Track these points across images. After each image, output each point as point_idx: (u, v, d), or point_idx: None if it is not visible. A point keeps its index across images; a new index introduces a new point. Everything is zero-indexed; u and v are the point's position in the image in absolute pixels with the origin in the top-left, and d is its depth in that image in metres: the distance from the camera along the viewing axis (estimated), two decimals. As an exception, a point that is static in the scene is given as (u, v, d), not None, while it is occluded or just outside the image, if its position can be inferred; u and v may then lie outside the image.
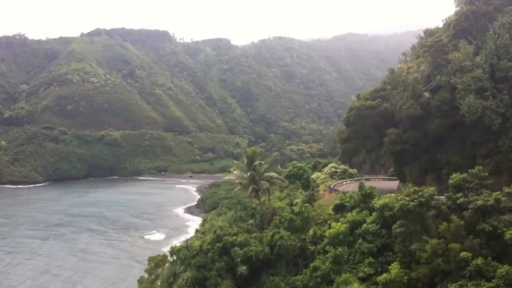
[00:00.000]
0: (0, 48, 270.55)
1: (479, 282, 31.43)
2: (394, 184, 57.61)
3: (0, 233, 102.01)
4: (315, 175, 78.33)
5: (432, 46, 49.97)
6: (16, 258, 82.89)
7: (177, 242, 72.21)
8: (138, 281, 54.36)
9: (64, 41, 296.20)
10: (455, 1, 54.57)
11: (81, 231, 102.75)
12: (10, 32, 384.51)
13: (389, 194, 42.95)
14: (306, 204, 49.06)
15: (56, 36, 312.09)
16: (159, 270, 52.87)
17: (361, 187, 44.52)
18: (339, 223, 41.28)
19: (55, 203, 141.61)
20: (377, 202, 40.52)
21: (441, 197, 38.72)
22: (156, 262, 54.14)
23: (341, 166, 79.09)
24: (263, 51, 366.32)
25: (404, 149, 49.38)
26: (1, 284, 69.19)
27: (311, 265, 39.76)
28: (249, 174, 50.47)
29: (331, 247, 39.68)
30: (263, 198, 52.85)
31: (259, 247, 42.53)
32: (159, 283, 50.40)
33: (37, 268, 77.42)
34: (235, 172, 54.46)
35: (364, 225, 39.45)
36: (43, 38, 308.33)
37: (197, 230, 65.05)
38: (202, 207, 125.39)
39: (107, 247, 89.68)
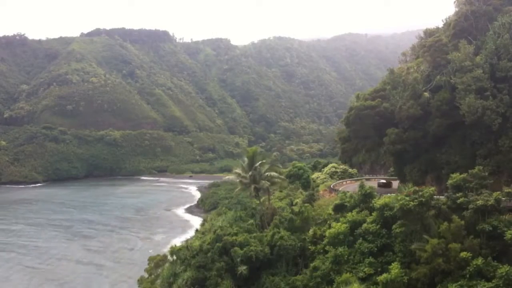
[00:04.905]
0: (0, 48, 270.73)
1: (479, 282, 31.45)
2: (394, 184, 57.66)
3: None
4: (315, 175, 78.31)
5: (432, 46, 49.96)
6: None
7: (177, 242, 72.19)
8: (138, 281, 54.24)
9: (64, 41, 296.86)
10: (455, 1, 54.63)
11: (80, 231, 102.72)
12: (10, 32, 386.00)
13: (389, 194, 42.95)
14: (306, 204, 49.06)
15: (56, 36, 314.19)
16: (159, 270, 52.81)
17: (361, 187, 44.51)
18: (339, 223, 41.29)
19: (56, 203, 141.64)
20: (377, 202, 40.55)
21: (441, 197, 38.73)
22: (156, 262, 54.12)
23: (341, 166, 79.05)
24: (263, 51, 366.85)
25: (404, 149, 49.36)
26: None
27: (311, 265, 39.82)
28: (250, 173, 50.46)
29: (331, 247, 39.72)
30: (263, 198, 52.85)
31: (259, 247, 42.49)
32: (159, 283, 50.34)
33: (36, 266, 77.56)
34: (236, 171, 54.45)
35: (364, 225, 39.47)
36: (43, 38, 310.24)
37: (197, 230, 65.09)
38: (202, 207, 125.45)
39: (107, 246, 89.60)
